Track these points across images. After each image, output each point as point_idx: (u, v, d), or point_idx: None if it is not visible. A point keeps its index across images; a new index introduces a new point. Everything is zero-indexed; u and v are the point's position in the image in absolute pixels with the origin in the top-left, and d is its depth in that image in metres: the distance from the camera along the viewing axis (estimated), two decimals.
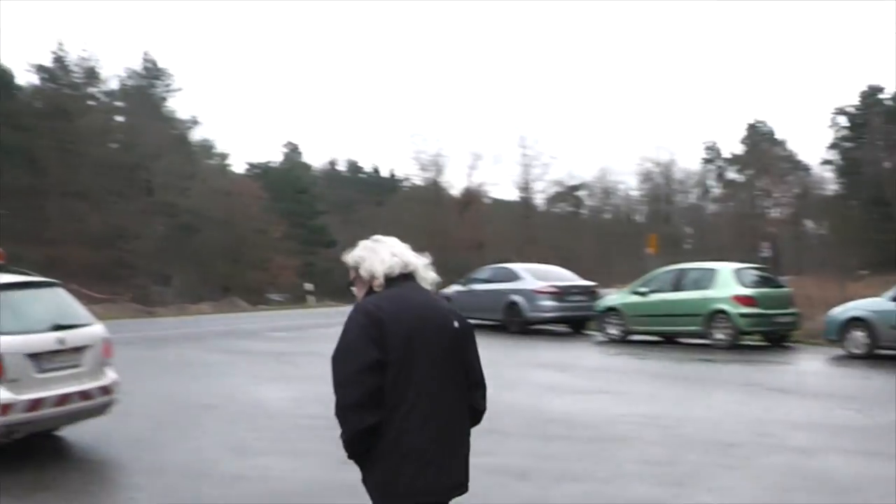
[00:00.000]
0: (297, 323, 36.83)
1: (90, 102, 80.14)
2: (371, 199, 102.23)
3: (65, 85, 78.70)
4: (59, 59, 78.53)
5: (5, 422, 9.87)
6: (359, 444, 4.64)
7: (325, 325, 35.06)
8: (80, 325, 11.07)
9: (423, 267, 4.99)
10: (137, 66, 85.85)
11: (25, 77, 78.88)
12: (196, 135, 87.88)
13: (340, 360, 4.73)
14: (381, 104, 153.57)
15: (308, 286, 68.64)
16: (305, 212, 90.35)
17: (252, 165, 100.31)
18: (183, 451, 11.28)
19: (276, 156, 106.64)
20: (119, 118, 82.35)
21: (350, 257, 5.07)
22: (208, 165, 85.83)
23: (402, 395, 4.58)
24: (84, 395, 10.69)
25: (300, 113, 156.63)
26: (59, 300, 11.38)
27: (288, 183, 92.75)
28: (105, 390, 10.97)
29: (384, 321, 4.60)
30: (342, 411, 4.65)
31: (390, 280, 4.84)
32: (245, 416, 13.71)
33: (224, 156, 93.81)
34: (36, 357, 10.19)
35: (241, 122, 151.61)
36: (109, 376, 11.22)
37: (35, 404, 10.07)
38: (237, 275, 74.07)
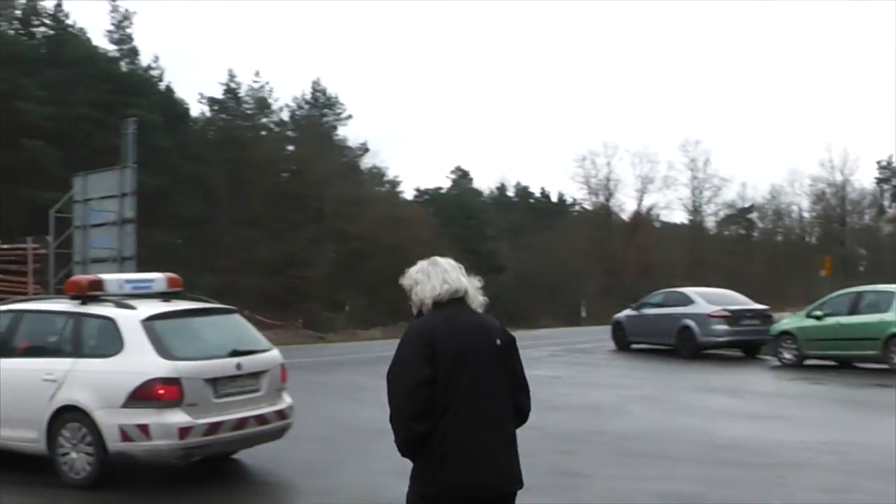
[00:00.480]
0: None
1: (262, 132, 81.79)
2: (540, 223, 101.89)
3: (237, 116, 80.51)
4: (230, 91, 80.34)
5: (184, 445, 10.18)
6: (411, 450, 5.29)
7: None
8: (258, 351, 11.33)
9: (472, 290, 5.63)
10: (308, 95, 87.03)
11: (198, 108, 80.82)
12: (366, 162, 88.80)
13: (397, 376, 5.32)
14: (550, 126, 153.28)
15: None
16: (474, 237, 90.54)
17: (421, 192, 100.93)
18: (353, 475, 11.44)
19: (444, 182, 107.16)
20: (290, 147, 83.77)
21: (405, 281, 5.80)
22: (378, 192, 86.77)
23: (447, 404, 5.14)
24: (260, 419, 10.95)
25: (469, 138, 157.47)
26: (237, 326, 11.70)
27: (457, 208, 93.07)
28: (281, 415, 11.20)
29: (435, 342, 5.22)
30: (398, 422, 5.26)
31: (439, 304, 5.48)
32: None
33: (394, 183, 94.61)
34: (214, 382, 10.49)
35: (410, 149, 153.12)
36: (285, 401, 11.46)
37: (213, 428, 10.36)
38: (407, 300, 74.47)
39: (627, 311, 31.42)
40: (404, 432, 5.25)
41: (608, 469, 11.92)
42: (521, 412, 5.62)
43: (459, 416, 5.16)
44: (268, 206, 73.60)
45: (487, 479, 5.24)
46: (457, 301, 5.54)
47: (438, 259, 5.86)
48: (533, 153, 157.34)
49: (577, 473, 11.69)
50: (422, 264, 5.84)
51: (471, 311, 5.57)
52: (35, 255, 37.68)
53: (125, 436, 10.12)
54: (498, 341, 5.47)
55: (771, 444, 13.54)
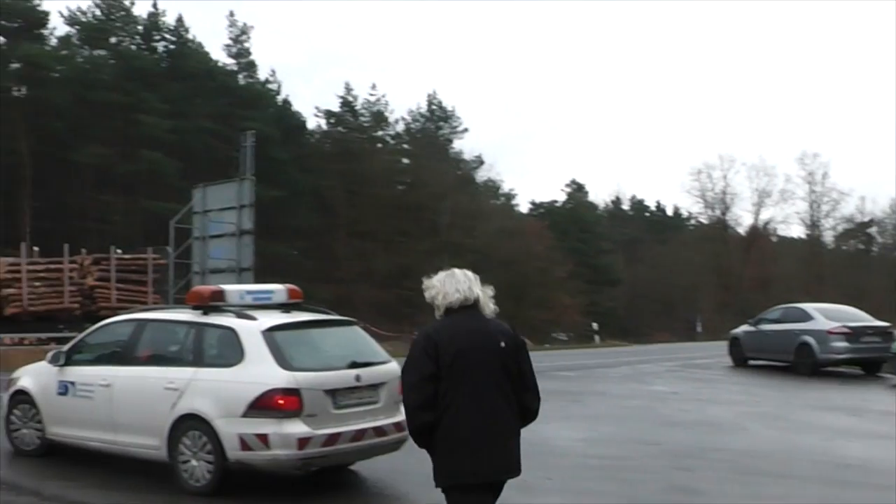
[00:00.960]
0: (581, 362, 36.68)
1: (377, 145, 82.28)
2: (655, 237, 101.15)
3: (353, 128, 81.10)
4: (347, 103, 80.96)
5: (302, 455, 10.25)
6: (420, 436, 6.22)
7: (611, 364, 34.97)
8: (377, 363, 11.34)
9: (484, 298, 6.44)
10: (423, 108, 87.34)
11: (314, 121, 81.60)
12: (481, 175, 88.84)
13: (406, 371, 6.26)
14: (666, 139, 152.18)
15: (594, 325, 68.47)
16: (589, 250, 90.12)
17: (536, 205, 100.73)
18: None
19: (559, 194, 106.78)
20: (405, 160, 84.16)
21: (426, 290, 6.56)
22: (493, 205, 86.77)
23: (452, 399, 6.02)
24: (378, 431, 10.97)
25: (584, 150, 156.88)
26: (357, 338, 11.76)
27: (572, 222, 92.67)
28: (398, 427, 11.12)
29: (438, 343, 6.11)
30: (407, 411, 6.24)
31: (451, 311, 6.30)
32: (532, 455, 13.60)
33: (509, 195, 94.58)
34: (333, 393, 10.53)
35: (525, 162, 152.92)
36: (403, 413, 11.47)
37: (331, 439, 10.41)
38: (522, 314, 74.42)
39: (745, 327, 30.97)
40: (414, 419, 6.18)
41: (727, 487, 11.74)
42: (526, 411, 6.43)
43: (462, 408, 6.02)
44: (383, 219, 74.07)
45: (485, 468, 6.16)
46: (468, 308, 6.34)
47: (455, 270, 6.61)
48: (648, 166, 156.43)
49: (695, 491, 11.53)
50: (440, 275, 6.57)
51: (480, 316, 6.39)
52: (155, 265, 38.40)
53: (245, 445, 10.23)
54: (502, 343, 6.28)
55: (894, 464, 13.20)
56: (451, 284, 6.43)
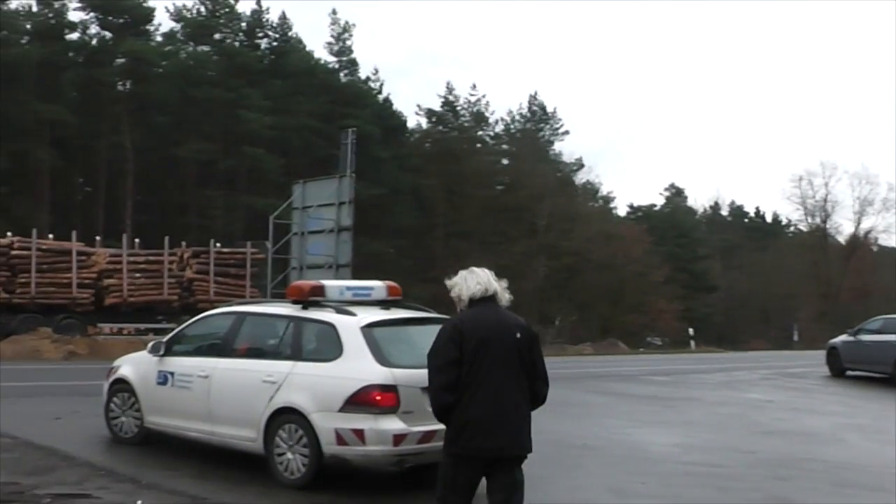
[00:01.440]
0: (676, 367, 36.38)
1: (477, 145, 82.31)
2: (753, 243, 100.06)
3: (453, 128, 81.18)
4: (448, 103, 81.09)
5: (398, 451, 10.23)
6: (442, 414, 6.91)
7: (706, 370, 34.60)
8: None
9: (500, 291, 7.21)
10: (524, 109, 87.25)
11: (414, 120, 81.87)
12: (580, 177, 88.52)
13: (433, 355, 7.00)
14: (767, 145, 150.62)
15: (690, 331, 67.94)
16: (687, 256, 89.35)
17: (634, 208, 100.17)
18: (564, 490, 11.33)
19: (658, 198, 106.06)
20: (504, 161, 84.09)
21: (449, 284, 7.34)
22: (591, 208, 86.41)
23: (470, 381, 6.75)
24: None
25: (684, 155, 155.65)
26: None
27: (670, 226, 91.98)
28: None
29: (463, 331, 6.87)
30: (431, 391, 7.00)
31: (473, 301, 7.07)
32: (626, 460, 13.65)
33: (607, 199, 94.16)
34: None
35: (624, 165, 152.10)
36: None
37: (427, 436, 10.30)
38: (617, 317, 74.09)
39: (843, 337, 30.54)
40: (436, 400, 6.93)
41: (823, 499, 11.53)
42: (536, 397, 7.15)
43: (479, 391, 6.74)
44: (481, 219, 74.10)
45: (497, 444, 6.84)
46: (487, 299, 7.12)
47: (474, 268, 7.38)
48: (748, 171, 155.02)
49: (791, 501, 11.34)
50: (461, 273, 7.33)
51: (499, 308, 7.17)
52: (253, 260, 38.79)
53: (340, 440, 10.24)
54: (518, 335, 7.02)
55: None
56: (472, 279, 7.21)
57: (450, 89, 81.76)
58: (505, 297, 7.27)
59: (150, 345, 13.17)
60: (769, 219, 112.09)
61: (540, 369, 7.15)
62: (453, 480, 6.97)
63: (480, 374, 6.76)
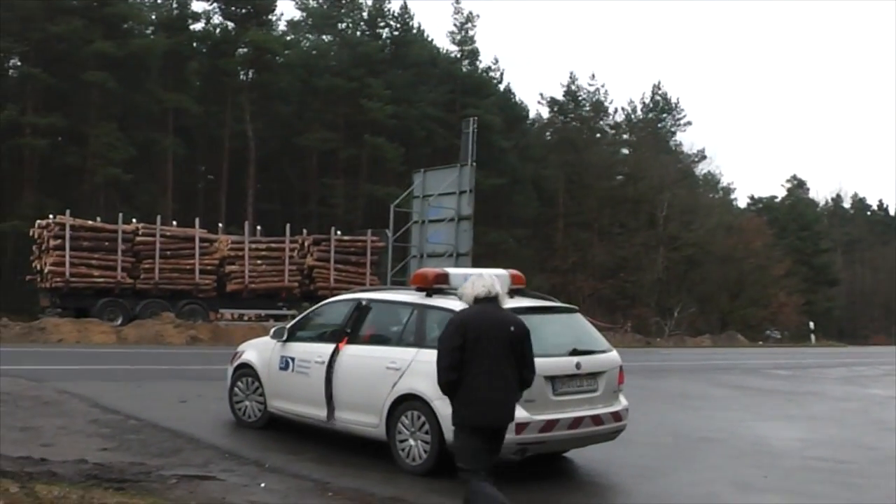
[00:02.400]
0: (797, 361, 35.83)
1: (597, 135, 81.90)
2: (876, 237, 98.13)
3: (574, 118, 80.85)
4: (570, 92, 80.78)
5: (520, 440, 10.18)
6: (446, 388, 8.36)
7: (827, 365, 34.03)
8: (598, 352, 11.24)
9: (503, 294, 8.70)
10: (647, 99, 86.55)
11: (534, 109, 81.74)
12: (701, 169, 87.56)
13: (442, 341, 8.47)
14: (891, 136, 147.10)
15: (810, 325, 67.01)
16: (808, 249, 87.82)
17: (754, 200, 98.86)
18: (685, 483, 11.24)
19: (779, 190, 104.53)
20: (624, 151, 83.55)
21: (461, 290, 8.89)
22: (712, 199, 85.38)
23: (470, 365, 8.18)
24: (596, 419, 10.86)
25: (806, 146, 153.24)
26: (578, 326, 11.65)
27: (792, 219, 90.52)
28: (616, 416, 11.11)
29: (465, 324, 8.33)
30: (439, 370, 8.35)
31: (478, 300, 8.49)
32: (748, 453, 13.47)
33: (728, 190, 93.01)
34: (553, 379, 10.48)
35: (746, 156, 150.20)
36: (621, 403, 11.35)
37: (549, 425, 10.36)
38: (737, 310, 73.19)
39: None
40: (443, 377, 8.32)
41: None
42: (524, 381, 8.58)
43: (478, 374, 8.17)
44: (601, 210, 73.74)
45: (492, 417, 8.30)
46: (490, 300, 8.50)
47: (483, 271, 9.30)
48: (872, 164, 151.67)
49: None
50: (473, 276, 8.91)
51: (498, 307, 8.57)
52: (373, 248, 38.97)
53: None
54: (511, 328, 8.42)
55: None
56: (479, 282, 8.61)
57: (572, 78, 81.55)
58: (505, 302, 8.76)
59: (273, 330, 13.32)
60: (893, 212, 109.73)
61: (528, 359, 8.55)
62: (467, 448, 8.34)
63: (479, 359, 8.19)
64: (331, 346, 12.00)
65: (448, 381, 8.28)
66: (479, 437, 8.28)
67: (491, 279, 8.62)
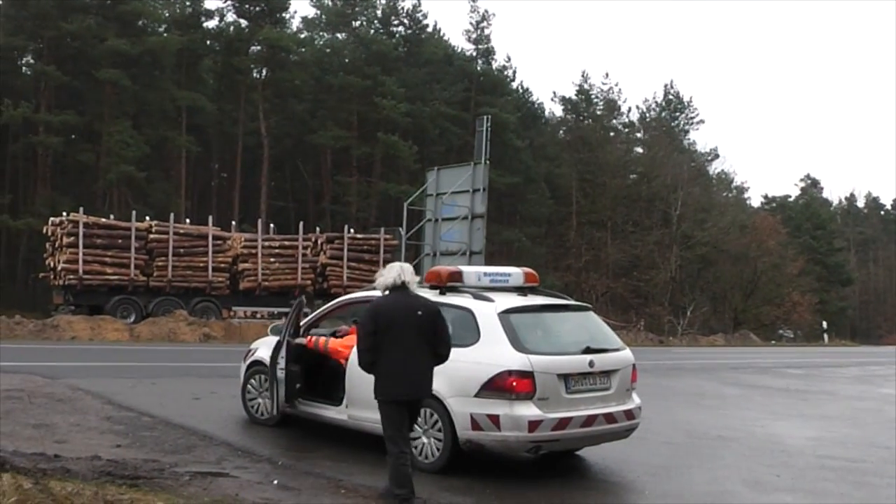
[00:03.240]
0: (810, 361, 35.77)
1: (611, 134, 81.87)
2: (890, 237, 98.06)
3: (587, 116, 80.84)
4: (582, 91, 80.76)
5: (533, 438, 10.22)
6: (366, 368, 9.41)
7: (840, 364, 33.96)
8: (611, 350, 11.21)
9: (412, 282, 9.56)
10: (659, 97, 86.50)
11: (548, 108, 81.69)
12: (714, 167, 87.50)
13: (360, 326, 9.54)
14: None
15: (823, 324, 66.93)
16: (822, 248, 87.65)
17: (768, 199, 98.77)
18: (699, 481, 11.21)
19: (793, 189, 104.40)
20: (638, 149, 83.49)
21: (376, 279, 9.83)
22: (725, 198, 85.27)
23: (386, 347, 9.20)
24: (609, 417, 10.83)
25: (819, 145, 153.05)
26: (591, 324, 11.62)
27: (806, 218, 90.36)
28: (629, 414, 11.09)
29: (378, 311, 9.35)
30: (358, 353, 9.44)
31: (391, 289, 9.49)
32: (762, 452, 13.45)
33: (741, 189, 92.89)
34: (566, 377, 10.46)
35: (759, 155, 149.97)
36: (634, 401, 11.34)
37: (562, 423, 10.34)
38: (750, 309, 73.07)
39: None
40: (361, 359, 9.40)
41: None
42: (439, 357, 9.47)
43: (392, 354, 9.19)
44: (615, 208, 73.70)
45: (406, 390, 9.28)
46: (400, 287, 9.47)
47: (394, 263, 9.93)
48: (886, 163, 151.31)
49: None
50: (388, 266, 9.81)
51: (408, 293, 9.51)
52: (386, 246, 38.99)
53: (476, 425, 10.28)
54: (419, 313, 9.37)
55: None
56: (390, 272, 9.57)
57: (585, 77, 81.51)
58: (413, 287, 9.62)
59: (270, 327, 13.45)
60: None
61: (441, 336, 9.44)
62: (391, 418, 9.34)
63: (391, 341, 9.18)
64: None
65: (366, 362, 9.36)
66: (396, 408, 9.29)
67: (400, 268, 9.59)
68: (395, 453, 9.26)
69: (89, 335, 30.69)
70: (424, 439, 10.79)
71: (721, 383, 24.41)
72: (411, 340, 9.23)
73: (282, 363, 12.18)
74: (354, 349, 10.22)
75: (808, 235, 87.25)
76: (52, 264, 35.26)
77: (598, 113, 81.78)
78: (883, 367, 32.65)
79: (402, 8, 74.10)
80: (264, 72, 66.87)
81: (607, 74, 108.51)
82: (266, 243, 37.68)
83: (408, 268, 9.62)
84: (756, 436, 14.98)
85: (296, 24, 72.84)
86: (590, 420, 10.62)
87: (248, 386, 13.49)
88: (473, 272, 11.80)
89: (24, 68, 60.57)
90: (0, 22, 56.21)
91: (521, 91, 78.84)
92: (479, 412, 10.25)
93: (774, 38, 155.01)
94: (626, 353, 11.38)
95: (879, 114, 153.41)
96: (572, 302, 12.01)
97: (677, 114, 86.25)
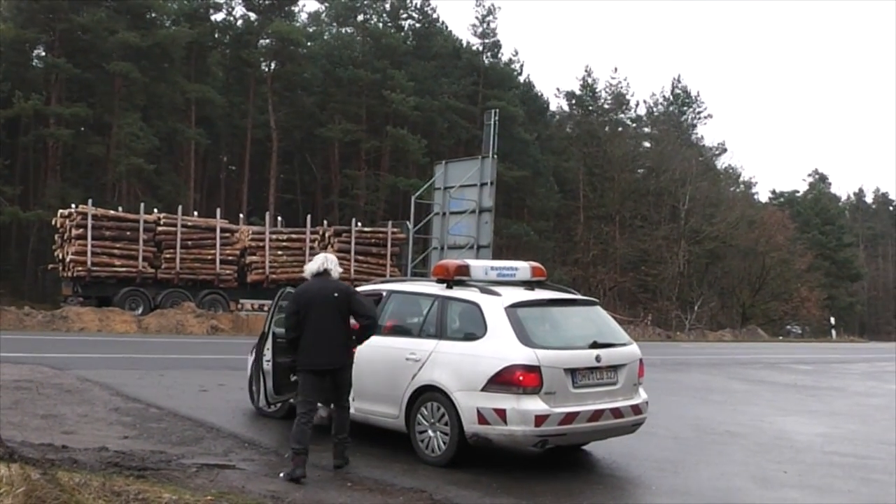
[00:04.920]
0: (818, 356, 35.70)
1: (619, 128, 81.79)
2: None
3: (593, 111, 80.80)
4: (587, 86, 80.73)
5: (539, 432, 10.20)
6: (290, 345, 10.41)
7: (849, 360, 33.89)
8: (618, 345, 11.18)
9: (334, 269, 10.67)
10: (666, 92, 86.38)
11: (555, 102, 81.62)
12: (722, 162, 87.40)
13: (285, 308, 10.74)
14: None
15: (831, 320, 66.84)
16: (831, 244, 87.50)
17: (776, 194, 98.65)
18: (707, 477, 11.19)
19: (801, 184, 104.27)
20: (646, 144, 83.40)
21: (306, 267, 10.95)
22: (733, 193, 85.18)
23: (306, 325, 10.24)
24: (616, 412, 10.80)
25: (828, 140, 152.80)
26: (598, 318, 11.59)
27: (815, 213, 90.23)
28: (636, 409, 11.06)
29: (301, 294, 10.44)
30: (286, 330, 10.47)
31: (314, 275, 10.58)
32: (770, 448, 13.42)
33: (749, 184, 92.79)
34: (573, 372, 10.43)
35: (767, 150, 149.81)
36: (641, 396, 11.30)
37: (569, 418, 10.31)
38: (758, 304, 72.98)
39: None
40: (287, 335, 10.45)
41: None
42: (364, 329, 10.56)
43: (310, 330, 10.23)
44: (623, 203, 73.63)
45: (322, 360, 10.29)
46: (322, 274, 10.57)
47: (319, 254, 11.11)
48: (894, 158, 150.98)
49: None
50: (315, 256, 11.05)
51: (328, 279, 10.56)
52: (394, 240, 39.00)
53: (482, 419, 10.25)
54: (336, 294, 10.39)
55: None
56: (317, 261, 10.73)
57: (588, 72, 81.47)
58: (335, 274, 10.68)
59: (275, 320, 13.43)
60: None
61: (357, 309, 10.48)
62: (305, 385, 10.35)
63: (311, 320, 10.23)
64: None
65: (290, 338, 10.39)
66: (312, 376, 10.30)
67: (324, 258, 10.76)
68: (301, 413, 10.27)
69: (98, 327, 30.76)
70: (431, 433, 10.79)
71: (729, 378, 24.39)
72: (328, 319, 10.28)
73: (268, 354, 12.16)
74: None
75: (817, 231, 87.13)
76: (61, 256, 35.35)
77: (606, 107, 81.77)
78: (891, 363, 32.59)
79: (411, 2, 74.12)
80: (273, 65, 66.91)
81: (616, 69, 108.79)
82: (274, 236, 37.72)
83: (332, 258, 10.84)
84: (764, 431, 14.96)
85: (304, 17, 73.00)
86: (596, 415, 10.59)
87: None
88: (481, 266, 11.80)
89: (34, 61, 60.60)
90: (11, 14, 56.37)
91: (527, 85, 78.77)
92: (486, 406, 10.22)
93: (782, 32, 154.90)
94: (633, 348, 11.36)
95: (888, 109, 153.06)
96: (579, 296, 11.99)
97: (685, 108, 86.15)
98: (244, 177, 64.62)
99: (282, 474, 9.90)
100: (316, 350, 10.25)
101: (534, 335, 10.45)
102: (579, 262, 70.81)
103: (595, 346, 10.76)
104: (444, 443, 10.65)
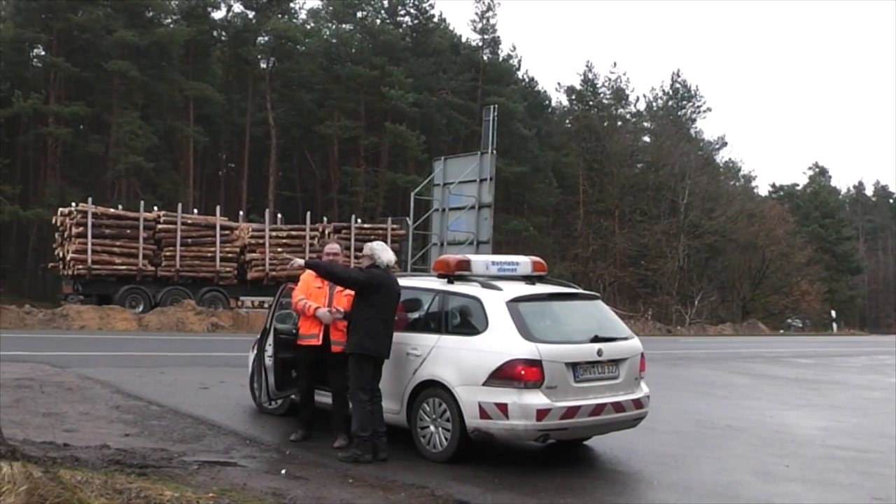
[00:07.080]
0: (820, 350, 35.69)
1: (618, 123, 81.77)
2: None
3: (593, 106, 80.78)
4: (587, 80, 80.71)
5: (541, 426, 10.18)
6: (351, 284, 10.83)
7: (849, 353, 33.88)
8: (619, 339, 11.16)
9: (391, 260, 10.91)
10: (666, 86, 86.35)
11: (555, 97, 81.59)
12: (722, 156, 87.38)
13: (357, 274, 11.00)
14: None
15: (832, 313, 66.86)
16: (831, 237, 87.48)
17: (776, 188, 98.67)
18: (708, 471, 11.18)
19: (800, 178, 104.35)
20: (645, 138, 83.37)
21: (366, 251, 10.99)
22: (733, 187, 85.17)
23: (377, 310, 10.49)
24: (617, 406, 10.79)
25: (827, 133, 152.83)
26: (600, 312, 11.59)
27: (814, 206, 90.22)
28: (637, 403, 11.05)
29: (380, 276, 10.63)
30: (347, 278, 10.96)
31: (387, 266, 10.76)
32: (771, 442, 13.41)
33: (749, 178, 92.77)
34: (574, 366, 10.41)
35: (766, 143, 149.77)
36: (642, 390, 11.31)
37: (570, 412, 10.31)
38: (758, 298, 72.98)
39: None
40: (350, 278, 10.90)
41: None
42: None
43: (379, 318, 10.58)
44: (623, 197, 73.61)
45: (384, 351, 10.70)
46: (389, 268, 10.92)
47: (381, 243, 11.28)
48: (894, 151, 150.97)
49: None
50: (376, 244, 11.08)
51: (392, 274, 11.04)
52: (394, 236, 38.99)
53: (484, 413, 10.24)
54: (399, 291, 10.82)
55: None
56: (387, 252, 10.90)
57: (589, 67, 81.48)
58: (391, 262, 10.93)
59: (276, 315, 13.41)
60: None
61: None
62: (363, 372, 10.52)
63: (381, 307, 10.60)
64: None
65: (351, 278, 10.80)
66: (369, 364, 10.62)
67: (391, 251, 11.04)
68: (363, 400, 10.57)
69: (98, 325, 30.76)
70: (432, 428, 10.77)
71: (729, 373, 24.39)
72: (393, 311, 10.79)
73: (269, 350, 12.14)
74: None
75: (817, 224, 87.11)
76: (61, 254, 35.33)
77: (605, 102, 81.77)
78: (892, 357, 32.59)
79: None
80: (272, 62, 66.95)
81: (615, 63, 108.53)
82: (273, 233, 37.68)
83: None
84: (765, 425, 14.95)
85: (303, 14, 72.97)
86: (598, 409, 10.59)
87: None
88: (482, 261, 11.78)
89: (34, 60, 60.73)
90: (10, 14, 56.40)
91: (527, 80, 78.77)
92: (488, 401, 10.21)
93: (782, 26, 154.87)
94: (635, 342, 11.35)
95: (887, 101, 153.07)
96: (580, 290, 11.99)
97: (684, 102, 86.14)
98: (243, 174, 64.64)
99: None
100: (384, 338, 10.54)
101: (535, 329, 10.43)
102: (579, 257, 70.81)
103: (596, 340, 10.75)
104: (446, 438, 10.63)
